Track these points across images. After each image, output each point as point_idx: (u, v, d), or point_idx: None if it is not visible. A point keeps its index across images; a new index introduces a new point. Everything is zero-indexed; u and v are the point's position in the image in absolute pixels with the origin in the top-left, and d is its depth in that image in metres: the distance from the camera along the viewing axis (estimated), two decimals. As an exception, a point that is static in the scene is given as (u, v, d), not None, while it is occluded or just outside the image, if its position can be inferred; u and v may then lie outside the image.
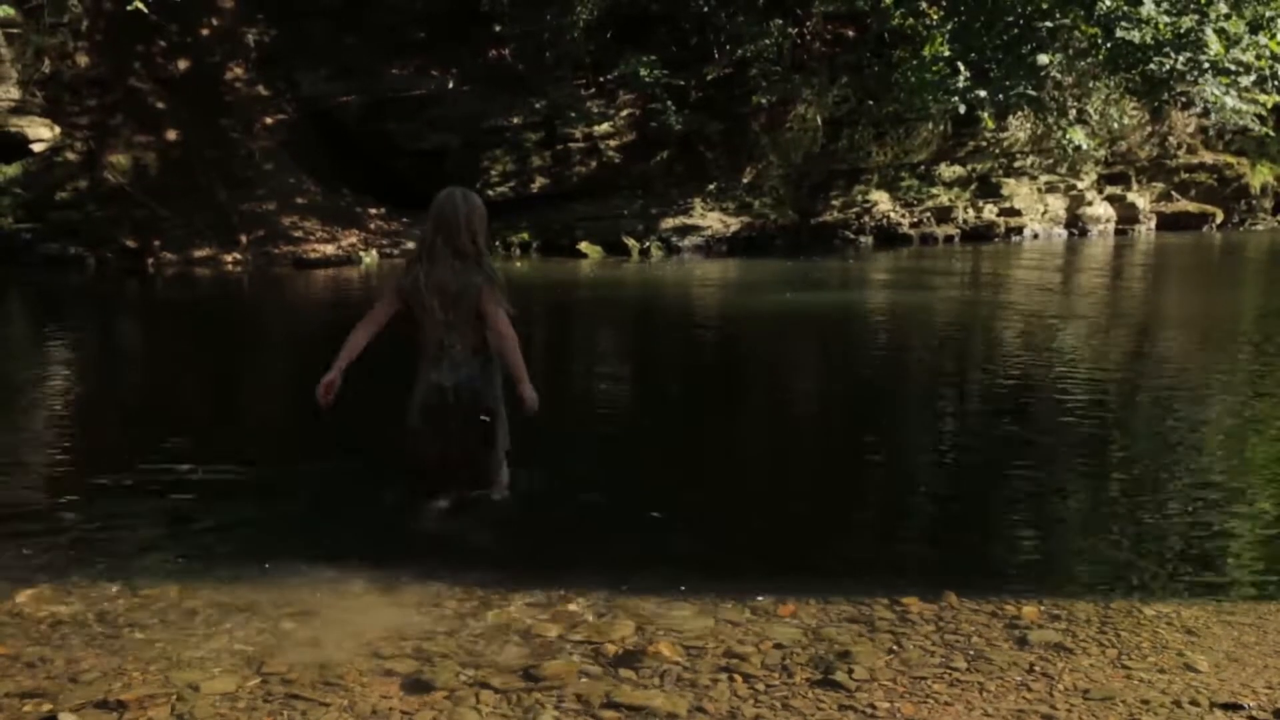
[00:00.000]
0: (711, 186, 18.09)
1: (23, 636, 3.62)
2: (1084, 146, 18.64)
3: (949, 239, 19.66)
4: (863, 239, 18.96)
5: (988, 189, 20.68)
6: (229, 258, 14.81)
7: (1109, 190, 22.15)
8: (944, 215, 19.93)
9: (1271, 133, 20.94)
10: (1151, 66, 16.72)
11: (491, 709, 3.20)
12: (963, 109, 16.75)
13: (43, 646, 3.54)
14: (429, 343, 4.45)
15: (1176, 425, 6.73)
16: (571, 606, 3.87)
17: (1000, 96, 16.56)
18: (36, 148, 14.57)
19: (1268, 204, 23.80)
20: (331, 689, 3.28)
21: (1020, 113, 18.58)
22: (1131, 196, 22.17)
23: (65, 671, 3.38)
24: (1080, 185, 21.53)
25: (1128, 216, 21.97)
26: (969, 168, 20.32)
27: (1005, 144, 20.06)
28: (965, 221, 20.12)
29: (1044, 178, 21.18)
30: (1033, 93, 16.81)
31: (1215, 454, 6.19)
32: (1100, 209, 21.74)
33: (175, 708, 3.17)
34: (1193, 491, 5.39)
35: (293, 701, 3.21)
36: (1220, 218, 22.70)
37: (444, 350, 4.42)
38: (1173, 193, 22.92)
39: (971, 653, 3.57)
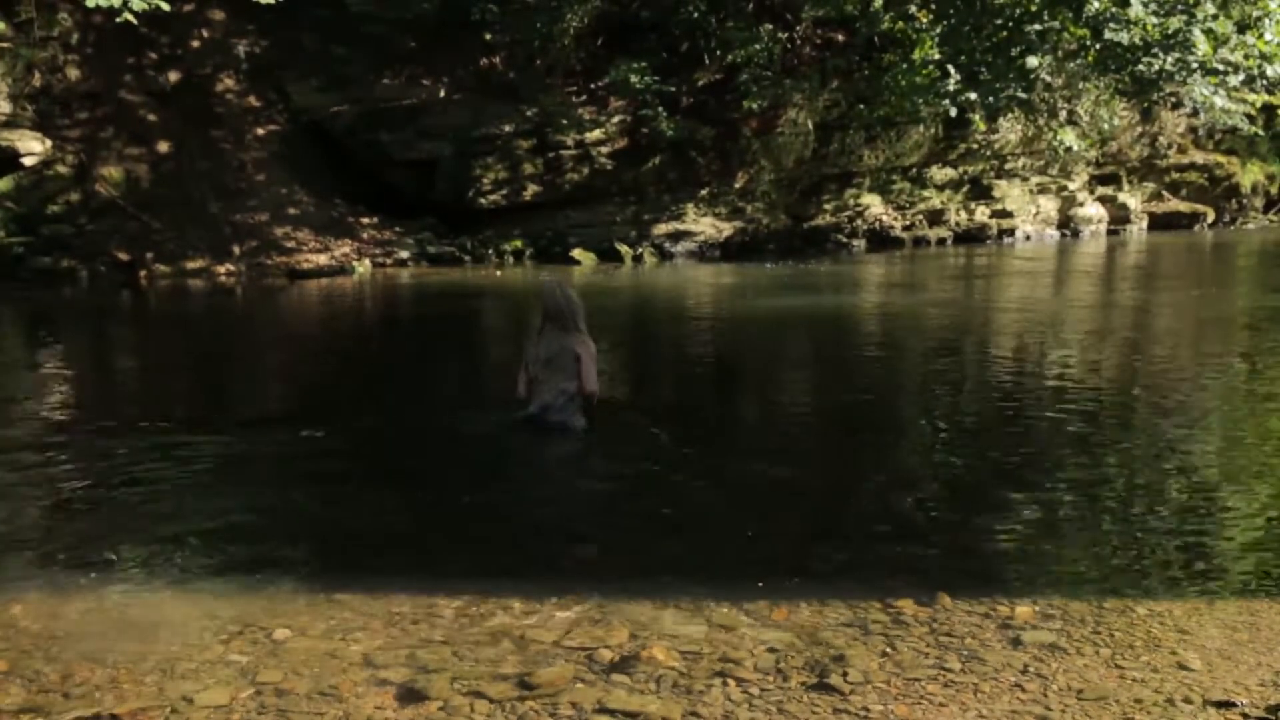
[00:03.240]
0: (704, 192, 18.12)
1: (16, 650, 3.61)
2: (1075, 147, 18.72)
3: (941, 241, 19.71)
4: (855, 242, 18.98)
5: (979, 191, 20.74)
6: (222, 269, 14.81)
7: (1100, 191, 22.22)
8: (936, 218, 19.97)
9: (1261, 132, 21.03)
10: (1140, 67, 16.80)
11: (486, 718, 3.20)
12: (953, 112, 16.81)
13: (36, 660, 3.53)
14: (536, 382, 6.41)
15: (1168, 427, 6.74)
16: (565, 613, 3.87)
17: (990, 99, 16.62)
18: (28, 161, 14.57)
19: (1258, 202, 23.90)
20: (326, 699, 3.28)
21: (1011, 115, 18.66)
22: (1123, 197, 22.23)
23: (59, 685, 3.37)
24: (1071, 186, 21.58)
25: (1119, 217, 22.04)
26: (960, 170, 20.37)
27: (996, 146, 20.12)
28: (957, 224, 20.18)
29: (1035, 179, 21.24)
30: (1023, 95, 16.88)
31: (1207, 455, 6.21)
32: (1092, 209, 21.79)
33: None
34: (1184, 491, 5.40)
35: (287, 713, 3.20)
36: (1211, 217, 22.79)
37: (543, 389, 6.34)
38: (1164, 192, 22.99)
39: (965, 654, 3.57)
